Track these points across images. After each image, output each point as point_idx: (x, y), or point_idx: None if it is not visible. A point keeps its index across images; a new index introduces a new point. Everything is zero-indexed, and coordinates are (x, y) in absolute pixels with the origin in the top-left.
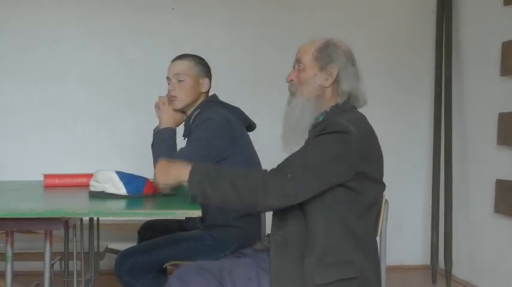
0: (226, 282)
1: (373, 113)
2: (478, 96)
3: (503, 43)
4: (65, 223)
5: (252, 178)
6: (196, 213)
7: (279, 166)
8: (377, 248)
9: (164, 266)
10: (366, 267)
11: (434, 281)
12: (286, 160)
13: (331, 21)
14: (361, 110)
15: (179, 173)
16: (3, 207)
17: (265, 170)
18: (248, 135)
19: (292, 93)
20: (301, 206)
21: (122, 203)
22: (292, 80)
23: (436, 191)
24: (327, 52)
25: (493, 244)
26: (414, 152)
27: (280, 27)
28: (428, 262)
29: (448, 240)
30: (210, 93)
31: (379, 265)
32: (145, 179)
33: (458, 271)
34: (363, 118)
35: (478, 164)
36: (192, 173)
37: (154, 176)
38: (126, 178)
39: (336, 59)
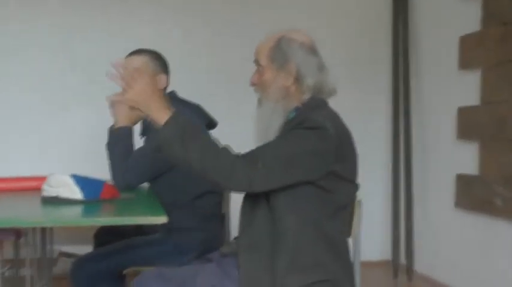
0: None
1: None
2: (437, 90)
3: (460, 37)
4: (17, 232)
5: (223, 158)
6: (161, 219)
7: (251, 152)
8: (348, 248)
9: (123, 273)
10: (338, 269)
11: (395, 276)
12: (259, 148)
13: (287, 13)
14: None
15: (157, 111)
16: None
17: (237, 154)
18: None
19: (259, 100)
20: (269, 205)
21: (79, 210)
22: (254, 84)
23: (396, 186)
24: (281, 51)
25: (454, 239)
26: (374, 147)
27: (236, 18)
28: (389, 257)
29: (409, 235)
30: (169, 90)
31: (351, 266)
32: (102, 183)
33: (420, 266)
34: (337, 116)
35: (438, 159)
36: (168, 122)
37: (128, 90)
38: (82, 182)
39: (291, 56)
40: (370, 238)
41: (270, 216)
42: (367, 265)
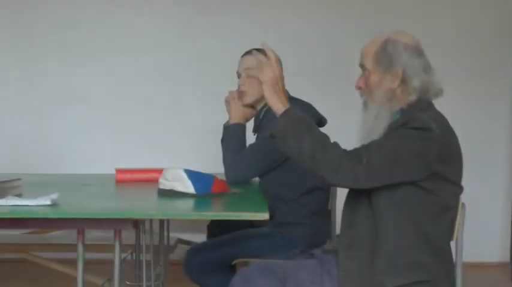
0: (289, 284)
1: (445, 105)
2: None
3: None
4: (134, 222)
5: (331, 152)
6: (264, 216)
7: (356, 149)
8: (451, 252)
9: (233, 264)
10: (439, 270)
11: None
12: (365, 145)
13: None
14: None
15: (278, 101)
16: (75, 205)
17: (344, 150)
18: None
19: (365, 103)
20: (371, 205)
21: (190, 203)
22: (360, 87)
23: None
24: (386, 53)
25: None
26: (493, 145)
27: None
28: (507, 259)
29: None
30: None
31: (453, 269)
32: (213, 177)
33: None
34: (443, 117)
35: None
36: (284, 114)
37: (265, 73)
38: (195, 177)
39: (397, 58)
40: (487, 238)
41: (371, 216)
42: (483, 267)
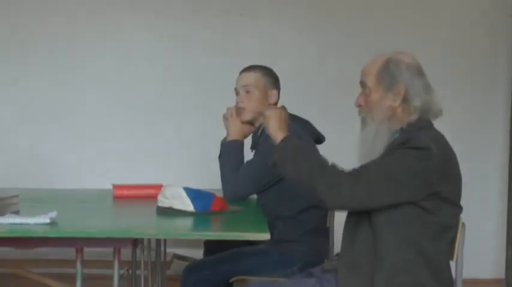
0: None
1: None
2: None
3: None
4: (133, 241)
5: (329, 175)
6: (264, 236)
7: (355, 170)
8: (450, 272)
9: (231, 281)
10: None
11: None
12: (364, 166)
13: (401, 26)
14: None
15: (277, 130)
16: (73, 224)
17: (343, 171)
18: (317, 149)
19: (363, 120)
20: (371, 224)
21: (189, 222)
22: (360, 105)
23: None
24: (389, 72)
25: None
26: (486, 160)
27: (356, 30)
28: (502, 275)
29: None
30: (279, 105)
31: None
32: (212, 195)
33: None
34: (442, 137)
35: None
36: (282, 143)
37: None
38: (194, 194)
39: (400, 77)
40: (483, 254)
41: (371, 235)
42: (477, 283)
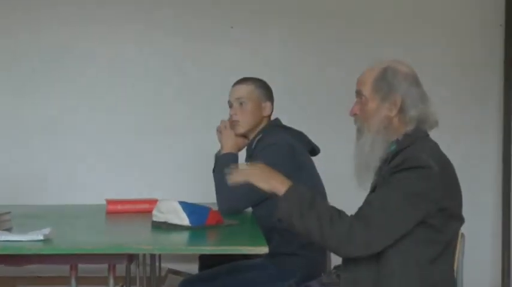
0: None
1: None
2: None
3: None
4: (129, 256)
5: (339, 225)
6: (263, 250)
7: (361, 212)
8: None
9: None
10: None
11: None
12: (367, 203)
13: (391, 38)
14: None
15: (275, 186)
16: (67, 241)
17: (351, 217)
18: (312, 161)
19: (359, 129)
20: None
21: (185, 236)
22: (356, 114)
23: (506, 211)
24: (386, 81)
25: None
26: (482, 171)
27: (345, 43)
28: (499, 283)
29: None
30: (273, 117)
31: None
32: (208, 209)
33: None
34: (439, 149)
35: None
36: (285, 196)
37: (250, 173)
38: (190, 209)
39: (397, 87)
40: (479, 262)
41: (375, 254)
42: None
